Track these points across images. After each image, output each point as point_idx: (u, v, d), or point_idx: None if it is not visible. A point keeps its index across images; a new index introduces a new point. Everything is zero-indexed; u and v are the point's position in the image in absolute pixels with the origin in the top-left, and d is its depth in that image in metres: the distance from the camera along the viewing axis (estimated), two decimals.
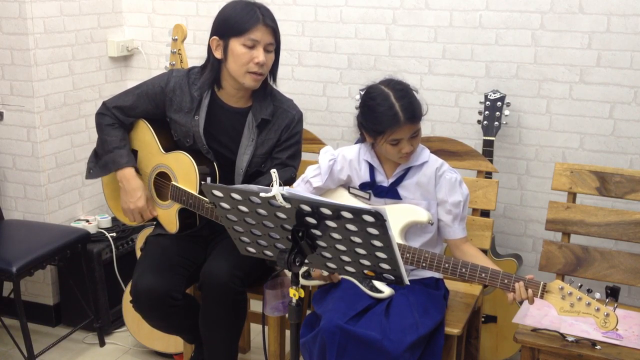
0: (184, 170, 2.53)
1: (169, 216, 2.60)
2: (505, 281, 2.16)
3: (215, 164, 2.58)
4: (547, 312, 2.33)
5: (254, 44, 2.42)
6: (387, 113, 2.23)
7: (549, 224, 2.60)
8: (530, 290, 2.13)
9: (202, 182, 1.89)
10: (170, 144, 2.64)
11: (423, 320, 2.19)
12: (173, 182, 2.56)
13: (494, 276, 2.17)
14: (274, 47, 2.49)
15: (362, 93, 2.37)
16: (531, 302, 2.15)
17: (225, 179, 2.57)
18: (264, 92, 2.55)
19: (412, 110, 2.24)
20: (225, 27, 2.45)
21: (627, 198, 2.52)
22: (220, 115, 2.57)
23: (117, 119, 2.65)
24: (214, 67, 2.51)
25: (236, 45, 2.42)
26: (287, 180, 2.54)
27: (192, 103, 2.55)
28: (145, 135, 2.67)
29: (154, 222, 2.73)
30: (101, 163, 2.67)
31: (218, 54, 2.48)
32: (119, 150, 2.62)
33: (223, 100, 2.57)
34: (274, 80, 2.58)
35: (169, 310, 2.47)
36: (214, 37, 2.48)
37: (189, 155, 2.52)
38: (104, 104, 2.68)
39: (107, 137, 2.64)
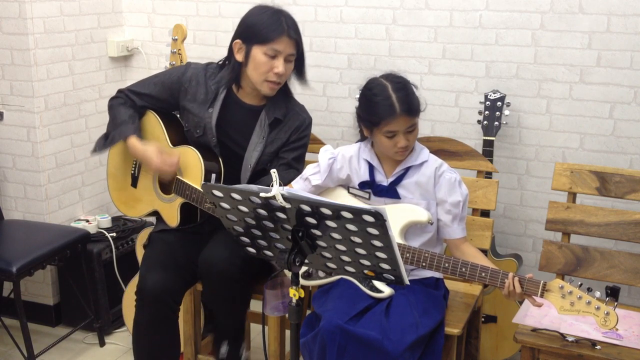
0: (190, 165, 2.54)
1: (171, 210, 2.60)
2: (505, 280, 2.16)
3: (221, 160, 2.60)
4: (547, 312, 2.33)
5: (276, 54, 2.46)
6: (384, 104, 2.25)
7: (549, 224, 2.60)
8: (517, 284, 2.13)
9: (202, 183, 1.89)
10: (178, 138, 2.66)
11: (423, 320, 2.19)
12: (178, 176, 2.56)
13: (494, 275, 2.18)
14: (294, 57, 2.52)
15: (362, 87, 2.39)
16: (536, 304, 2.15)
17: (232, 174, 2.59)
18: (282, 94, 2.60)
19: (409, 103, 2.26)
20: (250, 33, 2.48)
21: (627, 198, 2.52)
22: (233, 110, 2.60)
23: (129, 99, 2.69)
24: (234, 69, 2.55)
25: (258, 53, 2.46)
26: (290, 182, 2.55)
27: (207, 95, 2.59)
28: (154, 129, 2.69)
29: (155, 219, 2.74)
30: (109, 138, 2.69)
31: (239, 57, 2.52)
32: (127, 124, 2.63)
33: (238, 96, 2.61)
34: (304, 81, 2.64)
35: (168, 314, 2.48)
36: (237, 40, 2.51)
37: (196, 150, 2.54)
38: (118, 90, 2.73)
39: (117, 113, 2.67)
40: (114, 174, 2.79)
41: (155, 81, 2.69)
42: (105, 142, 2.70)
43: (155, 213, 2.70)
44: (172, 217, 2.60)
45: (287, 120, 2.60)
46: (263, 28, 2.45)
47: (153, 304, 2.46)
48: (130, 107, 2.68)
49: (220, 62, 2.64)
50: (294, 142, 2.61)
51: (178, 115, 2.74)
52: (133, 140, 2.60)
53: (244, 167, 2.59)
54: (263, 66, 2.47)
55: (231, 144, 2.61)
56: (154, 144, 2.59)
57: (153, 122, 2.70)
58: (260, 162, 2.59)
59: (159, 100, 2.68)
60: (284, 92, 2.61)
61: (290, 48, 2.48)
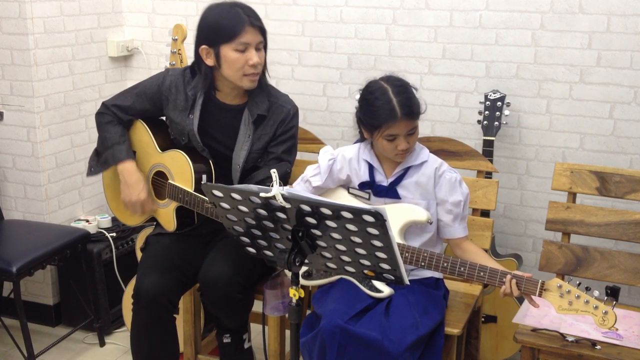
0: (180, 169, 2.54)
1: (167, 215, 2.60)
2: (504, 279, 2.16)
3: (210, 161, 2.58)
4: (547, 312, 2.33)
5: (246, 47, 2.42)
6: (385, 107, 2.24)
7: (549, 224, 2.60)
8: (515, 287, 2.13)
9: (202, 183, 1.89)
10: (166, 143, 2.65)
11: (423, 320, 2.19)
12: (170, 181, 2.56)
13: (493, 274, 2.18)
14: (263, 44, 2.50)
15: (362, 89, 2.38)
16: (535, 305, 2.16)
17: (223, 175, 2.58)
18: (260, 87, 2.56)
19: (410, 106, 2.25)
20: (213, 35, 2.44)
21: (627, 198, 2.52)
22: (215, 113, 2.58)
23: (116, 116, 2.66)
24: (207, 75, 2.51)
25: (228, 52, 2.42)
26: (283, 175, 2.55)
27: (186, 102, 2.57)
28: (142, 136, 2.68)
29: (154, 222, 2.73)
30: (102, 160, 2.68)
31: (210, 62, 2.47)
32: (119, 145, 2.63)
33: (218, 98, 2.58)
34: (264, 74, 2.58)
35: (165, 316, 2.48)
36: (203, 46, 2.46)
37: (184, 154, 2.53)
38: (103, 104, 2.70)
39: (107, 134, 2.65)
40: (109, 185, 2.77)
41: (136, 92, 2.66)
42: (98, 163, 2.69)
43: (154, 219, 2.69)
44: (169, 222, 2.60)
45: (271, 115, 2.57)
46: (224, 26, 2.41)
47: (149, 306, 2.45)
48: (118, 124, 2.66)
49: (191, 67, 2.59)
50: (281, 135, 2.58)
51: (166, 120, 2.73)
52: (126, 166, 2.60)
53: (233, 167, 2.57)
54: (237, 62, 2.42)
55: (218, 147, 2.59)
56: (143, 182, 2.59)
57: (141, 130, 2.69)
58: (249, 160, 2.57)
59: (143, 111, 2.67)
60: (262, 85, 2.56)
61: (257, 36, 2.44)
